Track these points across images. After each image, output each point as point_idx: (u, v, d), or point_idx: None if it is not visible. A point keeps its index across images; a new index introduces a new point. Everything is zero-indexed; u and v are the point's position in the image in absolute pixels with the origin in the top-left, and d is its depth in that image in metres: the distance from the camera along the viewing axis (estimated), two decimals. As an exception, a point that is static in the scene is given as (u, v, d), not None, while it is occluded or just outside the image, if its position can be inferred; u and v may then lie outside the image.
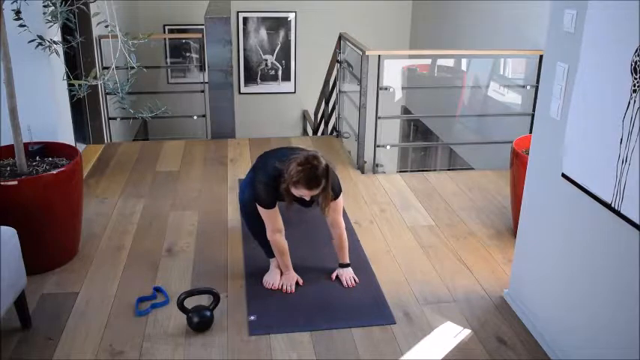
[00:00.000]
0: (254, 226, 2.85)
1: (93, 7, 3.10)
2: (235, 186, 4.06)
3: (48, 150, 3.14)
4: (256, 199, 2.70)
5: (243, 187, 2.88)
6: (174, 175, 4.24)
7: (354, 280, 2.88)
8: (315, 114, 6.79)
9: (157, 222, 3.51)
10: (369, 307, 2.71)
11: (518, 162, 3.18)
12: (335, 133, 5.55)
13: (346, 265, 2.91)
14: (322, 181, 2.53)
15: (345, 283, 2.87)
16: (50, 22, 2.90)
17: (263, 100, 8.19)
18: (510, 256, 3.07)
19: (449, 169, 5.91)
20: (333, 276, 2.91)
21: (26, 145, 3.00)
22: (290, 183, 2.52)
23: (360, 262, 3.07)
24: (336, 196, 2.74)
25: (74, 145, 3.86)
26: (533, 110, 4.03)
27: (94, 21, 4.13)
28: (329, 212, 2.74)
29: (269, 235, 2.75)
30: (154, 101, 3.09)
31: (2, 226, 2.34)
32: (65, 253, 3.04)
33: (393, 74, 4.81)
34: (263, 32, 7.93)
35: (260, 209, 2.70)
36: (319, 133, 6.50)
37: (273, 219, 2.72)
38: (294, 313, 2.65)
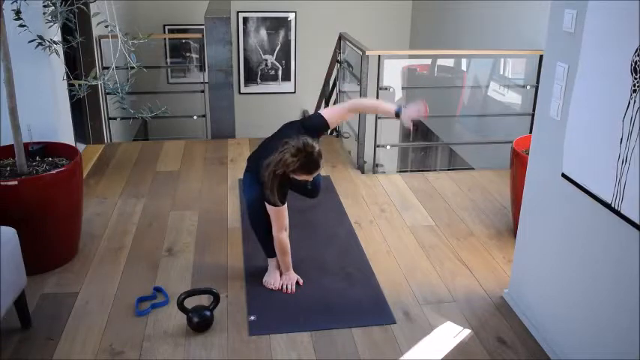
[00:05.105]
0: (259, 226, 2.83)
1: (93, 7, 3.10)
2: (235, 186, 4.06)
3: (48, 150, 3.14)
4: (266, 199, 2.69)
5: (248, 187, 2.85)
6: (174, 175, 4.24)
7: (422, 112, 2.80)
8: (315, 114, 6.78)
9: (157, 222, 3.51)
10: (369, 307, 2.71)
11: (518, 162, 3.18)
12: (335, 133, 5.55)
13: (397, 116, 2.82)
14: (321, 163, 2.57)
15: (417, 113, 2.77)
16: (50, 22, 2.90)
17: (263, 100, 8.19)
18: (510, 256, 3.07)
19: (449, 169, 5.91)
20: (407, 125, 2.82)
21: (26, 145, 3.00)
22: (288, 171, 2.54)
23: (360, 262, 3.07)
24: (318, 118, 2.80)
25: (74, 145, 3.86)
26: (533, 110, 4.03)
27: (94, 21, 4.12)
28: (338, 120, 2.84)
29: (276, 233, 2.74)
30: (154, 101, 3.09)
31: (2, 226, 2.34)
32: (65, 253, 3.04)
33: (392, 74, 4.81)
34: (263, 32, 7.93)
35: (269, 208, 2.69)
36: (319, 133, 6.49)
37: (281, 217, 2.72)
38: (294, 313, 2.65)
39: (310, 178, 2.63)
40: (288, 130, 2.75)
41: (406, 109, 2.79)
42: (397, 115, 2.84)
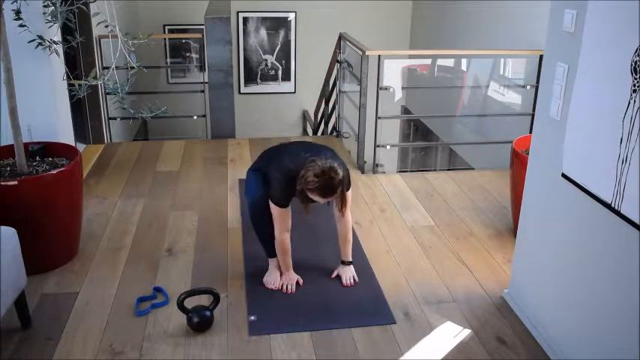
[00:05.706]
0: (261, 226, 2.82)
1: (93, 7, 3.10)
2: (235, 186, 4.06)
3: (48, 150, 3.14)
4: (272, 198, 2.69)
5: (252, 186, 2.83)
6: (174, 175, 4.24)
7: (354, 279, 2.89)
8: (315, 114, 6.79)
9: (157, 222, 3.51)
10: (369, 307, 2.71)
11: (518, 162, 3.18)
12: (335, 133, 5.55)
13: (348, 263, 2.91)
14: (338, 190, 2.56)
15: (344, 281, 2.87)
16: (50, 22, 2.90)
17: (263, 100, 8.19)
18: (510, 256, 3.07)
19: (449, 169, 5.91)
20: (334, 274, 2.92)
21: (26, 145, 3.00)
22: (305, 189, 2.54)
23: (360, 262, 3.07)
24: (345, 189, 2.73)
25: (74, 145, 3.86)
26: (533, 110, 4.03)
27: (94, 21, 4.12)
28: (340, 201, 2.75)
29: (278, 234, 2.75)
30: (153, 101, 3.09)
31: (2, 226, 2.34)
32: (65, 253, 3.04)
33: (393, 74, 4.81)
34: (263, 32, 7.93)
35: (273, 208, 2.70)
36: (319, 133, 6.50)
37: (285, 218, 2.72)
38: (294, 313, 2.65)
39: (322, 201, 2.60)
40: (326, 150, 2.72)
41: (345, 271, 2.90)
42: (342, 262, 2.92)
